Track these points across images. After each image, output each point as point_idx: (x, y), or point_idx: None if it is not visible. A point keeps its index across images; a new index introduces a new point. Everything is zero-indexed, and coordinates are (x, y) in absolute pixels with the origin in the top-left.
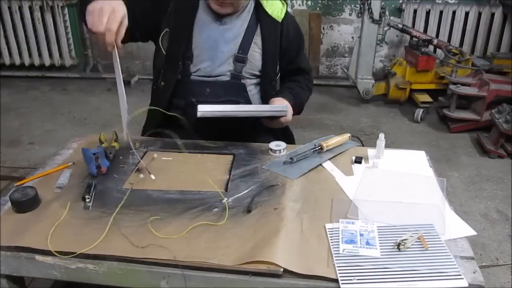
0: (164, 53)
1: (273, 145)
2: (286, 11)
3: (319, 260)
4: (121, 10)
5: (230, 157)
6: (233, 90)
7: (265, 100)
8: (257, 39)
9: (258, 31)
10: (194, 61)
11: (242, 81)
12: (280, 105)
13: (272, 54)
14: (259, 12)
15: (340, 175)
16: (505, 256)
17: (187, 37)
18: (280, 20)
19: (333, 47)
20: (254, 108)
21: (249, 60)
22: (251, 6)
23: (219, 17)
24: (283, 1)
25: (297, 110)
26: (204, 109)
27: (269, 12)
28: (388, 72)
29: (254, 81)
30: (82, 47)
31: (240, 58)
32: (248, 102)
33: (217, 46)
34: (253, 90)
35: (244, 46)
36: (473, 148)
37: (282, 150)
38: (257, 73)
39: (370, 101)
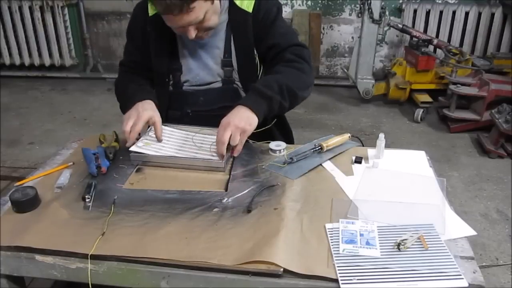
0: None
1: (273, 145)
2: None
3: (319, 260)
4: (146, 115)
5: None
6: (226, 96)
7: None
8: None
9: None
10: (184, 72)
11: (235, 85)
12: (216, 161)
13: (245, 49)
14: (231, 7)
15: (340, 175)
16: (505, 256)
17: (170, 50)
18: (250, 10)
19: (333, 47)
20: (189, 162)
21: (232, 63)
22: (225, 6)
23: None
24: None
25: (280, 99)
26: (135, 149)
27: (239, 4)
28: (388, 72)
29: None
30: (82, 47)
31: (227, 62)
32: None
33: (202, 54)
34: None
35: (228, 49)
36: (473, 148)
37: (282, 150)
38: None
39: (370, 101)
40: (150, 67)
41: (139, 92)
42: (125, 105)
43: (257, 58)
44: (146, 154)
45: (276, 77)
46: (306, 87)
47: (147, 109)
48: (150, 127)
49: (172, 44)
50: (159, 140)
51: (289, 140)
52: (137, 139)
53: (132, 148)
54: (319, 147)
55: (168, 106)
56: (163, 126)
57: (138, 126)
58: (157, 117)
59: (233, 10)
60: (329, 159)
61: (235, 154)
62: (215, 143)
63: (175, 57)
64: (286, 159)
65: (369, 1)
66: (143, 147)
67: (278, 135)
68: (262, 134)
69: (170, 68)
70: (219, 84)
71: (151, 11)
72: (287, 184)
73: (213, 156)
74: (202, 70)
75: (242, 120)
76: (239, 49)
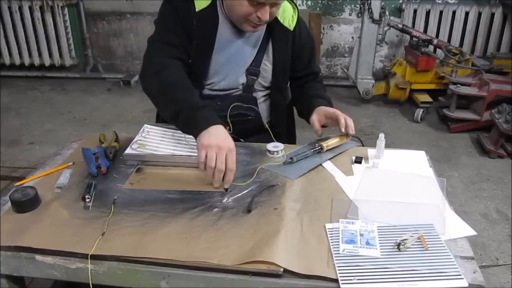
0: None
1: (271, 146)
2: (298, 17)
3: (319, 260)
4: (234, 147)
5: None
6: (244, 103)
7: (274, 109)
8: (269, 51)
9: (270, 41)
10: (209, 76)
11: (254, 94)
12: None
13: (283, 65)
14: (272, 21)
15: (340, 175)
16: (505, 256)
17: (207, 54)
18: (292, 28)
19: (333, 47)
20: (183, 160)
21: (261, 73)
22: None
23: (239, 32)
24: (294, 6)
25: None
26: (130, 152)
27: (281, 20)
28: (388, 72)
29: (264, 92)
30: (82, 47)
31: (253, 71)
32: (258, 114)
33: (234, 60)
34: (263, 101)
35: (258, 59)
36: (473, 148)
37: (279, 151)
38: (268, 84)
39: (370, 101)
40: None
41: (207, 109)
42: (176, 110)
43: (289, 72)
44: (140, 153)
45: (327, 97)
46: None
47: (227, 139)
48: (143, 128)
49: (209, 46)
50: (226, 189)
51: (292, 140)
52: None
53: (128, 151)
54: (319, 147)
55: None
56: (157, 126)
57: (223, 165)
58: (234, 152)
59: (276, 25)
60: (329, 159)
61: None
62: None
63: (207, 61)
64: (286, 159)
65: (369, 1)
66: (138, 149)
67: (283, 136)
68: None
69: (202, 72)
70: (239, 92)
71: (197, 6)
72: (287, 184)
73: None
74: (228, 76)
75: None
76: (278, 63)
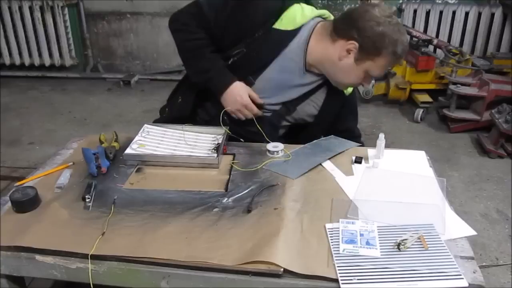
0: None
1: (270, 146)
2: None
3: (319, 260)
4: (245, 92)
5: (230, 157)
6: (266, 126)
7: (281, 139)
8: (319, 97)
9: (325, 91)
10: (252, 87)
11: (277, 122)
12: (210, 158)
13: (330, 114)
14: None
15: (340, 175)
16: (505, 256)
17: (257, 69)
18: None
19: None
20: (183, 160)
21: (296, 111)
22: None
23: (305, 68)
24: None
25: None
26: (130, 152)
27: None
28: (388, 72)
29: (289, 124)
30: (82, 47)
31: (289, 104)
32: (271, 139)
33: (283, 90)
34: (283, 130)
35: (301, 99)
36: (473, 148)
37: (279, 152)
38: (298, 121)
39: (370, 101)
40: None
41: (221, 64)
42: (203, 71)
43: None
44: (140, 153)
45: None
46: None
47: (243, 87)
48: (143, 128)
49: (262, 65)
50: (261, 105)
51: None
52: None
53: (128, 151)
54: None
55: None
56: (156, 126)
57: (250, 104)
58: (250, 90)
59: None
60: (329, 159)
61: None
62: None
63: (257, 72)
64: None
65: (369, 1)
66: (138, 149)
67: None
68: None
69: (245, 77)
70: (268, 114)
71: (277, 24)
72: (287, 184)
73: (207, 153)
74: (268, 99)
75: None
76: (325, 113)
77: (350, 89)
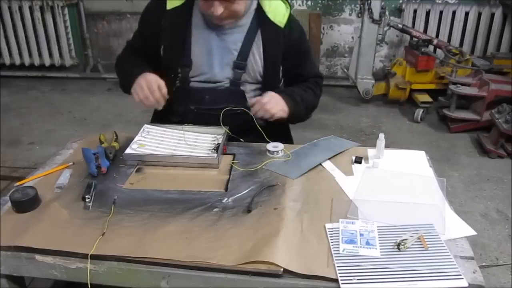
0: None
1: (270, 146)
2: (290, 15)
3: (319, 260)
4: (153, 78)
5: (230, 157)
6: (232, 97)
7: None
8: (258, 45)
9: (259, 36)
10: (193, 68)
11: (242, 87)
12: (210, 158)
13: (274, 61)
14: (260, 16)
15: (340, 175)
16: (505, 256)
17: (182, 46)
18: (282, 26)
19: (333, 47)
20: (183, 160)
21: (248, 67)
22: (251, 8)
23: (219, 26)
24: (287, 4)
25: (300, 110)
26: (129, 152)
27: (271, 18)
28: (388, 72)
29: (254, 86)
30: (82, 47)
31: (239, 65)
32: (247, 109)
33: (215, 53)
34: (253, 96)
35: (244, 53)
36: (473, 148)
37: (279, 151)
38: (259, 79)
39: (370, 101)
40: (153, 59)
41: (141, 66)
42: (127, 80)
43: (281, 71)
44: (140, 153)
45: (299, 90)
46: (312, 110)
47: (150, 74)
48: (143, 128)
49: (186, 39)
50: (164, 98)
51: (288, 140)
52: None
53: (128, 151)
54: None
55: (173, 99)
56: (157, 126)
57: (154, 85)
58: (161, 81)
59: (265, 21)
60: (329, 159)
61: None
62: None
63: (186, 52)
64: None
65: (369, 1)
66: (138, 149)
67: (278, 136)
68: (260, 135)
69: (180, 63)
70: (226, 85)
71: (169, 5)
72: (287, 184)
73: (207, 153)
74: (211, 69)
75: (281, 102)
76: (268, 61)
77: (281, 19)
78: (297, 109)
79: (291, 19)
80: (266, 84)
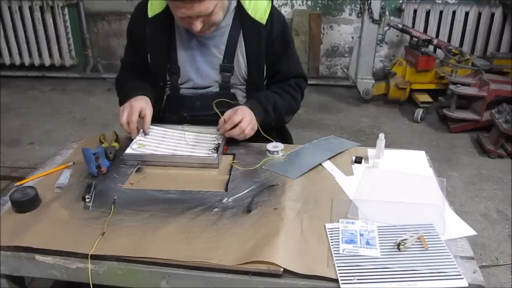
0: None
1: (271, 146)
2: (271, 10)
3: (319, 260)
4: (138, 105)
5: (230, 157)
6: (224, 102)
7: None
8: (241, 45)
9: (241, 36)
10: (181, 75)
11: (232, 90)
12: (210, 158)
13: (257, 59)
14: (241, 14)
15: (340, 175)
16: (505, 256)
17: (167, 53)
18: (264, 22)
19: (333, 47)
20: (183, 160)
21: (235, 69)
22: (231, 8)
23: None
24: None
25: (271, 119)
26: (130, 152)
27: (252, 14)
28: (388, 72)
29: (243, 87)
30: (82, 47)
31: (226, 67)
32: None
33: (200, 58)
34: (242, 98)
35: (229, 55)
36: (473, 148)
37: (279, 151)
38: (245, 78)
39: (370, 101)
40: (147, 69)
41: (136, 88)
42: (123, 101)
43: (264, 68)
44: (140, 153)
45: (275, 97)
46: (291, 114)
47: (139, 100)
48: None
49: (171, 46)
50: (145, 133)
51: (287, 141)
52: (138, 130)
53: (128, 151)
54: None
55: (164, 109)
56: (157, 126)
57: (134, 116)
58: (148, 110)
59: (246, 19)
60: (329, 159)
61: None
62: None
63: (173, 60)
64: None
65: (369, 1)
66: (138, 149)
67: (274, 136)
68: (260, 135)
69: (168, 71)
70: (216, 89)
71: (150, 13)
72: (287, 184)
73: (207, 153)
74: (198, 74)
75: (253, 121)
76: (251, 59)
77: (262, 16)
78: (268, 120)
79: (272, 12)
80: (251, 85)
